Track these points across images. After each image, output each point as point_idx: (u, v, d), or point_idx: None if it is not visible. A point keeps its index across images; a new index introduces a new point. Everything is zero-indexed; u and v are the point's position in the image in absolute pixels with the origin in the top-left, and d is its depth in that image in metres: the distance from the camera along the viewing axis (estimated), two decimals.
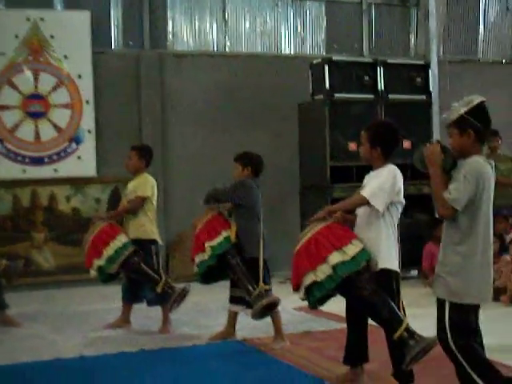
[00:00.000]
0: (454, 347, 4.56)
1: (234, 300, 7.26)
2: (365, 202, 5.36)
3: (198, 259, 7.11)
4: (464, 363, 4.57)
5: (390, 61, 11.92)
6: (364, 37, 13.51)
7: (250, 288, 6.90)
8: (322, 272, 5.24)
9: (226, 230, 7.10)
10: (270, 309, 6.89)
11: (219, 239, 7.05)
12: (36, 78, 11.61)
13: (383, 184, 5.38)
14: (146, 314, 8.15)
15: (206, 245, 7.03)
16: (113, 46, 12.29)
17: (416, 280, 9.99)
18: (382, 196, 5.35)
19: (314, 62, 11.74)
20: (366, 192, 5.38)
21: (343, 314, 5.81)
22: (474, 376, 4.55)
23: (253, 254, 7.04)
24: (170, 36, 12.54)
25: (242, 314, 7.28)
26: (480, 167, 4.57)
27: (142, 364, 6.60)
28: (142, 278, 7.79)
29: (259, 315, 6.88)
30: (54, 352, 7.08)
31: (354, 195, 5.57)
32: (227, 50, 12.80)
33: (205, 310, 8.69)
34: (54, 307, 9.71)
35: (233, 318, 7.37)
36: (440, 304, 4.64)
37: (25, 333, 8.09)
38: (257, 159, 7.38)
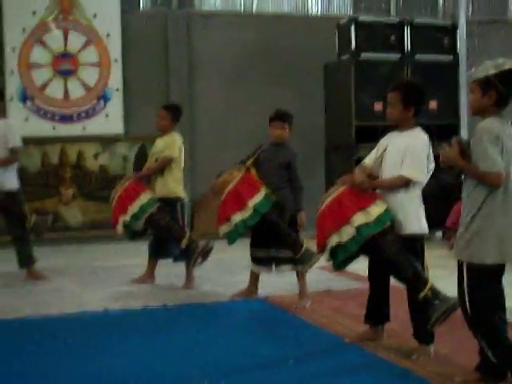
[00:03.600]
0: (470, 314, 4.47)
1: (256, 261, 7.18)
2: (408, 183, 5.22)
3: (237, 218, 6.89)
4: (479, 336, 4.48)
5: (417, 21, 11.74)
6: None
7: (299, 245, 6.84)
8: (346, 233, 5.15)
9: (262, 188, 6.92)
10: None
11: (259, 198, 6.89)
12: (66, 37, 11.56)
13: (420, 157, 5.21)
14: (170, 271, 8.10)
15: (249, 203, 6.85)
16: (141, 6, 12.23)
17: (440, 241, 9.85)
18: (422, 169, 5.22)
19: (341, 21, 11.64)
20: (406, 171, 5.19)
21: (364, 273, 5.71)
22: (489, 353, 4.46)
23: (292, 211, 6.98)
24: None
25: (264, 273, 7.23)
26: (496, 128, 4.44)
27: (165, 319, 6.55)
28: (167, 234, 7.75)
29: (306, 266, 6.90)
30: (79, 305, 7.08)
31: (394, 177, 5.35)
32: (254, 9, 12.66)
33: (228, 268, 8.63)
34: (81, 262, 9.76)
35: (255, 277, 7.29)
36: (460, 266, 4.54)
37: (52, 286, 8.10)
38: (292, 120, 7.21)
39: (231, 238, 6.99)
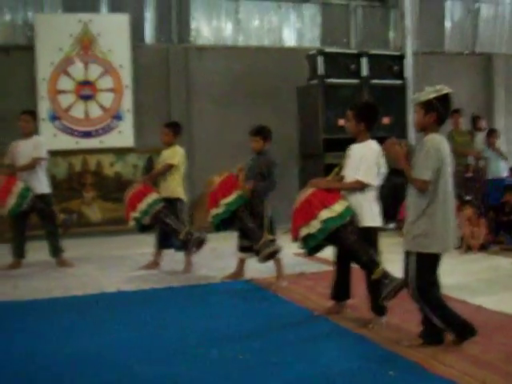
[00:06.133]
0: (417, 292, 4.53)
1: (242, 249, 7.16)
2: (363, 185, 5.23)
3: (213, 213, 6.96)
4: (426, 307, 4.54)
5: (372, 52, 11.78)
6: (351, 32, 13.31)
7: (258, 238, 6.80)
8: (314, 226, 5.17)
9: (239, 190, 6.92)
10: (273, 255, 6.81)
11: (232, 197, 6.89)
12: (86, 68, 11.52)
13: (370, 164, 5.22)
14: (172, 258, 8.07)
15: (221, 202, 6.88)
16: (147, 41, 12.19)
17: (392, 232, 9.84)
18: (373, 174, 5.23)
19: (310, 52, 11.63)
20: (361, 176, 5.21)
21: (331, 258, 5.70)
22: (434, 319, 4.54)
23: (260, 210, 6.93)
24: (194, 32, 12.42)
25: (249, 259, 7.19)
26: (438, 143, 4.50)
27: (169, 298, 6.55)
28: (169, 228, 7.71)
29: (264, 260, 6.81)
30: (98, 287, 7.08)
31: (348, 180, 5.36)
32: (240, 43, 12.64)
33: (220, 255, 8.60)
34: (100, 251, 9.71)
35: (241, 263, 7.28)
36: (407, 255, 4.59)
37: (76, 272, 8.09)
38: (270, 132, 7.15)
39: (212, 227, 7.08)
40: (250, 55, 12.44)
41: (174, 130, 8.01)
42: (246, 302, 6.31)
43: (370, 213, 5.28)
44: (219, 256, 8.54)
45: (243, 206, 6.88)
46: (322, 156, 10.92)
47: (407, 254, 4.60)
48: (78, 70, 11.49)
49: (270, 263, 6.98)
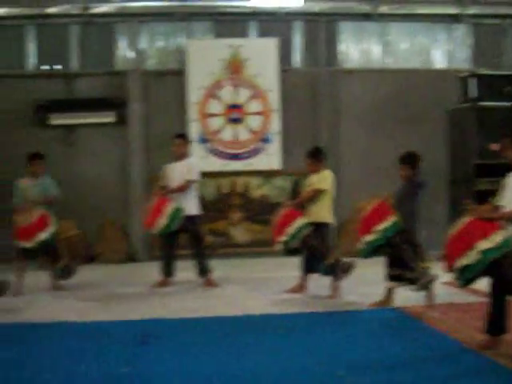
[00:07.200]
0: None
1: (391, 278, 7.03)
2: None
3: (367, 239, 6.87)
4: None
5: None
6: (504, 53, 12.79)
7: (414, 266, 6.69)
8: (472, 257, 5.00)
9: (392, 216, 6.81)
10: (430, 284, 6.72)
11: (388, 223, 6.79)
12: (235, 92, 11.74)
13: None
14: (318, 283, 8.00)
15: (375, 228, 6.79)
16: (294, 65, 12.30)
17: None
18: None
19: (462, 75, 11.30)
20: None
21: (482, 289, 5.45)
22: None
23: (413, 238, 6.80)
24: (341, 56, 12.41)
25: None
26: None
27: (315, 323, 6.49)
28: (316, 253, 7.68)
29: (422, 289, 6.73)
30: (243, 309, 7.12)
31: (508, 210, 5.16)
32: (388, 66, 12.47)
33: (366, 281, 8.39)
34: (245, 273, 9.81)
35: (389, 291, 7.12)
36: None
37: (222, 292, 8.21)
38: (419, 159, 7.01)
39: (363, 253, 6.97)
40: (399, 78, 12.23)
41: (317, 158, 7.97)
42: (394, 331, 6.17)
43: None
44: (366, 282, 8.37)
45: (400, 233, 6.77)
46: (474, 181, 10.56)
47: None
48: (227, 93, 11.76)
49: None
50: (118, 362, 5.07)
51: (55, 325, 6.51)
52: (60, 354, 5.43)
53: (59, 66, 12.12)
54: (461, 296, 7.47)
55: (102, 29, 12.16)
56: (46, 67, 12.07)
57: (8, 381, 4.69)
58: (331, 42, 12.33)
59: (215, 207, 11.63)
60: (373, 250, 6.94)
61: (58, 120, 11.58)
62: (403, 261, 6.79)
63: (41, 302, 7.74)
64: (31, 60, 12.04)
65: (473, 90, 10.92)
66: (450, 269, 5.18)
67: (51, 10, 11.83)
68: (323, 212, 7.83)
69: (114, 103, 11.63)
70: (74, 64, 12.08)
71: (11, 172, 9.27)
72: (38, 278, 8.81)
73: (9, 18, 11.91)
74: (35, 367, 5.00)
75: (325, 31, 12.25)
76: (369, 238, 6.84)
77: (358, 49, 12.49)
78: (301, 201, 8.05)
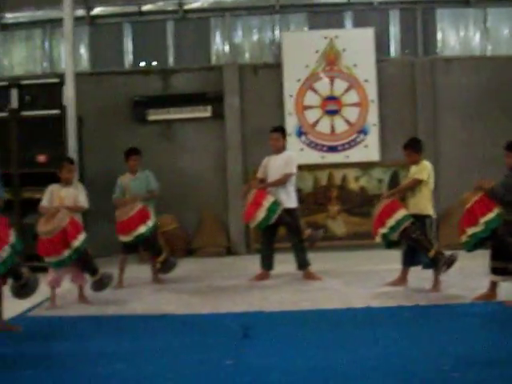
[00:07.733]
0: None
1: (495, 271, 6.82)
2: None
3: (471, 231, 6.72)
4: None
5: None
6: None
7: None
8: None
9: (496, 207, 6.65)
10: None
11: (492, 215, 6.64)
12: (332, 84, 11.69)
13: None
14: (420, 276, 7.86)
15: (480, 220, 6.64)
16: (392, 55, 12.16)
17: None
18: None
19: None
20: None
21: None
22: None
23: None
24: (440, 44, 12.17)
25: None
26: None
27: (417, 316, 6.40)
28: (417, 245, 7.55)
29: None
30: (346, 302, 7.09)
31: None
32: (488, 53, 12.13)
33: (470, 274, 8.15)
34: (345, 266, 9.75)
35: (493, 285, 6.92)
36: None
37: (323, 285, 8.18)
38: None
39: (467, 246, 6.86)
40: (500, 65, 11.84)
41: (415, 149, 7.85)
42: (502, 325, 5.99)
43: None
44: (468, 275, 8.14)
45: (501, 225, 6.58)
46: None
47: None
48: (323, 85, 11.69)
49: None
50: (222, 355, 5.11)
51: (157, 318, 6.63)
52: (163, 346, 5.52)
53: (155, 62, 12.38)
54: None
55: (196, 24, 12.36)
56: (143, 64, 12.35)
57: (113, 374, 4.80)
58: (428, 30, 12.11)
59: (313, 200, 11.62)
60: (477, 243, 6.78)
61: (155, 116, 11.81)
62: (508, 253, 6.57)
63: (142, 294, 7.93)
64: (128, 57, 12.35)
65: None
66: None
67: (147, 8, 12.15)
68: (423, 204, 7.69)
69: (211, 98, 11.75)
70: (170, 60, 12.31)
71: (112, 168, 9.53)
72: (139, 271, 9.04)
73: (106, 17, 12.27)
74: (139, 360, 5.11)
75: (422, 19, 12.03)
76: (473, 230, 6.69)
77: (457, 36, 12.20)
78: (399, 190, 7.98)
